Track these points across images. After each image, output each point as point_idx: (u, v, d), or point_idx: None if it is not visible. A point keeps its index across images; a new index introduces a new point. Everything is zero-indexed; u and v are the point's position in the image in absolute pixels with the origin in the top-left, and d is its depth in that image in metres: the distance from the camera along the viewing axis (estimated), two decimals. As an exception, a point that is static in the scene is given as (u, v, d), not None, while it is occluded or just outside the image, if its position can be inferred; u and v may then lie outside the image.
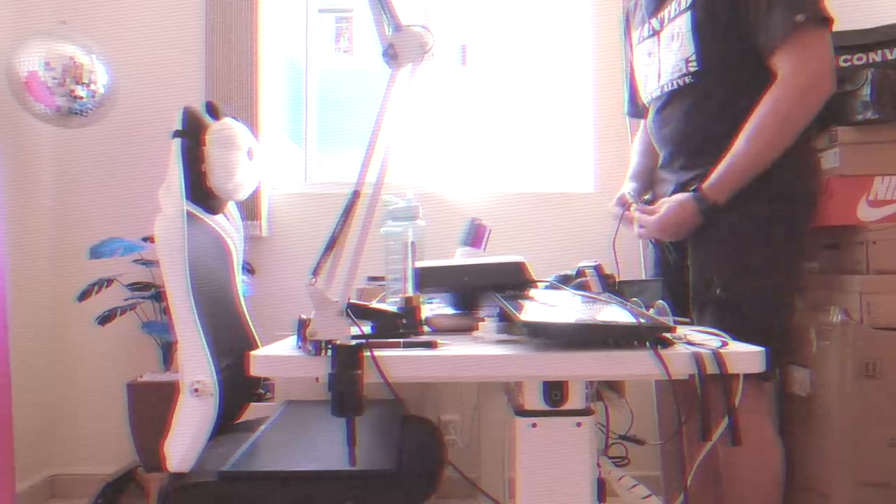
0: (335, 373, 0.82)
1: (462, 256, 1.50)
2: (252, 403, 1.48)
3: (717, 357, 0.83)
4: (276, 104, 2.46)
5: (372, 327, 0.96)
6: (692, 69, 1.42)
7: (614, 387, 1.26)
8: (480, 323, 1.04)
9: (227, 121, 1.32)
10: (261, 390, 1.49)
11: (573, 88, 2.53)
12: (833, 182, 1.71)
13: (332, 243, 0.90)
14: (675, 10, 1.45)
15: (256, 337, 1.50)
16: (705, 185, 1.36)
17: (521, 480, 0.90)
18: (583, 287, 1.24)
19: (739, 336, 0.94)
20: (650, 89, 1.56)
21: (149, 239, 2.07)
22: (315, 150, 2.53)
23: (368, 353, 0.83)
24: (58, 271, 2.33)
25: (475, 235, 1.52)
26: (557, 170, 2.58)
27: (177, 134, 1.20)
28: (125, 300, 2.15)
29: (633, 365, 0.84)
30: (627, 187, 1.64)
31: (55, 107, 2.02)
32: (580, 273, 1.27)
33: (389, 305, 1.20)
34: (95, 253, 2.05)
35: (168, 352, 2.13)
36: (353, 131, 2.38)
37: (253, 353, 0.90)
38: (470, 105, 2.60)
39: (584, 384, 0.92)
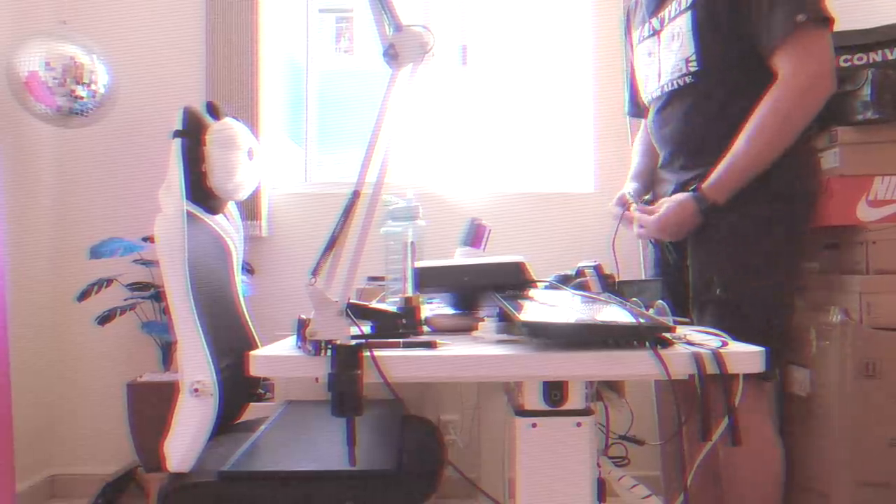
0: (335, 373, 0.82)
1: (462, 256, 1.50)
2: (252, 403, 1.48)
3: (717, 357, 0.83)
4: (276, 104, 2.46)
5: (372, 327, 0.96)
6: (692, 69, 1.42)
7: (614, 387, 1.26)
8: (480, 323, 1.04)
9: (227, 121, 1.32)
10: (261, 390, 1.49)
11: (573, 88, 2.53)
12: (833, 182, 1.71)
13: (332, 243, 0.90)
14: (676, 10, 1.45)
15: (256, 337, 1.50)
16: (705, 184, 1.36)
17: (521, 480, 0.90)
18: (583, 287, 1.24)
19: (739, 336, 0.94)
20: (650, 89, 1.56)
21: (149, 239, 2.07)
22: (315, 150, 2.53)
23: (368, 353, 0.83)
24: (58, 271, 2.33)
25: (475, 235, 1.52)
26: (557, 170, 2.58)
27: (177, 134, 1.20)
28: (125, 300, 2.15)
29: (633, 365, 0.84)
30: (628, 187, 1.64)
31: (55, 107, 2.02)
32: (580, 273, 1.27)
33: (389, 305, 1.20)
34: (95, 253, 2.05)
35: (168, 352, 2.13)
36: (353, 131, 2.39)
37: (253, 353, 0.90)
38: (470, 105, 2.60)
39: (584, 384, 0.92)
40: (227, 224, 1.46)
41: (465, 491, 1.79)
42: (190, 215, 1.18)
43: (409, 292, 1.19)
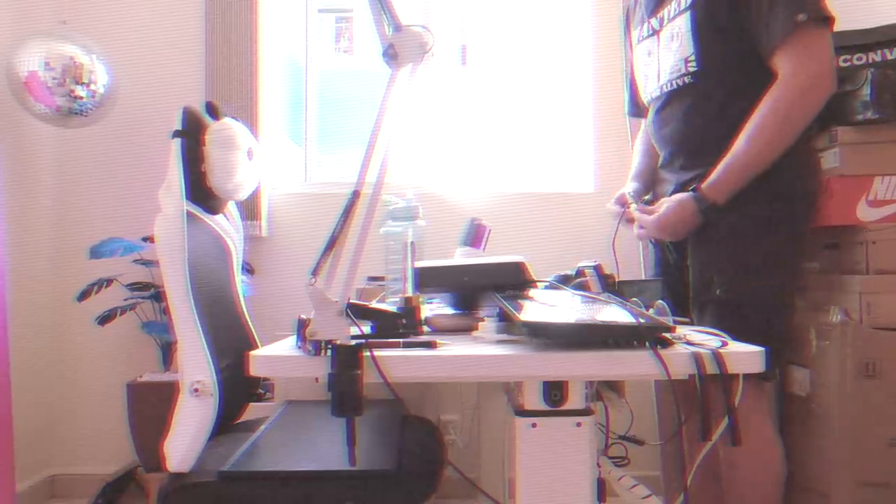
0: (335, 373, 0.82)
1: (462, 256, 1.50)
2: (252, 403, 1.48)
3: (717, 357, 0.83)
4: (276, 104, 2.46)
5: (372, 327, 0.96)
6: (691, 69, 1.42)
7: (614, 387, 1.26)
8: (480, 323, 1.04)
9: (226, 121, 1.32)
10: (260, 390, 1.49)
11: (573, 88, 2.53)
12: (833, 182, 1.71)
13: (332, 243, 0.90)
14: (675, 10, 1.45)
15: (256, 337, 1.50)
16: (705, 184, 1.36)
17: (521, 480, 0.90)
18: (583, 287, 1.24)
19: (739, 336, 0.94)
20: (650, 89, 1.56)
21: (149, 239, 2.07)
22: (315, 150, 2.53)
23: (368, 353, 0.83)
24: (58, 271, 2.33)
25: (475, 235, 1.52)
26: (557, 170, 2.58)
27: (177, 134, 1.20)
28: (125, 300, 2.15)
29: (633, 365, 0.84)
30: (628, 187, 1.64)
31: (55, 107, 2.02)
32: (580, 273, 1.27)
33: (389, 305, 1.20)
34: (95, 253, 2.05)
35: (168, 352, 2.13)
36: (353, 131, 2.38)
37: (253, 353, 0.90)
38: (470, 105, 2.60)
39: (584, 384, 0.92)
40: (227, 224, 1.46)
41: (465, 491, 1.79)
42: (190, 215, 1.18)
43: (409, 292, 1.19)
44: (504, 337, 0.98)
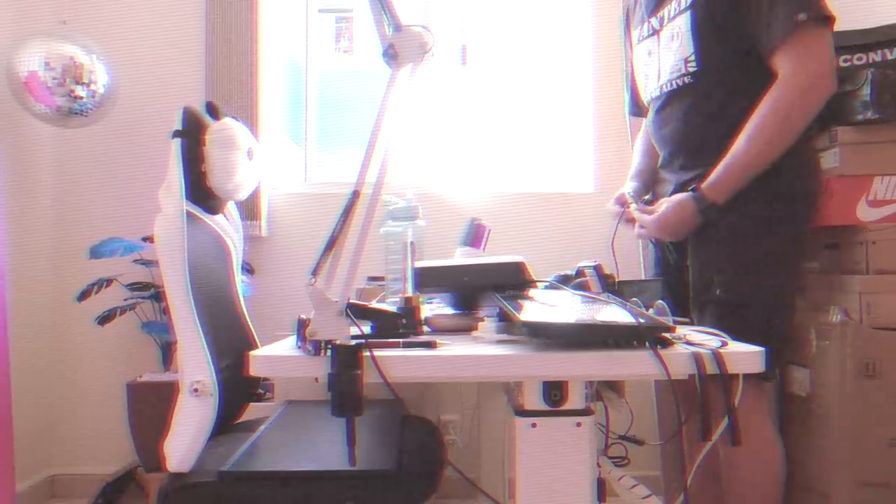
0: (335, 373, 0.82)
1: (462, 256, 1.50)
2: (252, 403, 1.47)
3: (717, 357, 0.83)
4: (276, 104, 2.46)
5: (372, 327, 0.96)
6: (691, 69, 1.42)
7: (614, 387, 1.26)
8: (480, 323, 1.04)
9: (226, 121, 1.32)
10: (260, 390, 1.49)
11: (573, 88, 2.52)
12: (833, 182, 1.71)
13: (332, 243, 0.90)
14: (675, 10, 1.45)
15: (256, 337, 1.50)
16: (704, 184, 1.36)
17: (521, 480, 0.90)
18: (582, 287, 1.24)
19: (739, 336, 0.94)
20: (650, 89, 1.56)
21: (149, 239, 2.07)
22: (315, 150, 2.53)
23: (368, 353, 0.83)
24: (58, 271, 2.33)
25: (475, 235, 1.52)
26: (557, 170, 2.58)
27: (177, 134, 1.20)
28: (125, 300, 2.15)
29: (633, 365, 0.84)
30: (628, 187, 1.64)
31: (55, 107, 2.02)
32: (580, 273, 1.27)
33: (389, 305, 1.20)
34: (95, 253, 2.05)
35: (168, 352, 2.13)
36: (353, 131, 2.38)
37: (252, 353, 0.90)
38: (470, 105, 2.60)
39: (584, 384, 0.92)
40: (227, 224, 1.46)
41: (465, 491, 1.79)
42: (190, 215, 1.18)
43: (409, 292, 1.19)
44: (504, 337, 0.98)
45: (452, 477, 1.11)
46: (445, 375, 0.87)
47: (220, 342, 1.23)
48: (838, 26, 1.33)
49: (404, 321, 1.02)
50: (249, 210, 2.22)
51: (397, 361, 0.85)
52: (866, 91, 1.69)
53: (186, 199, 1.16)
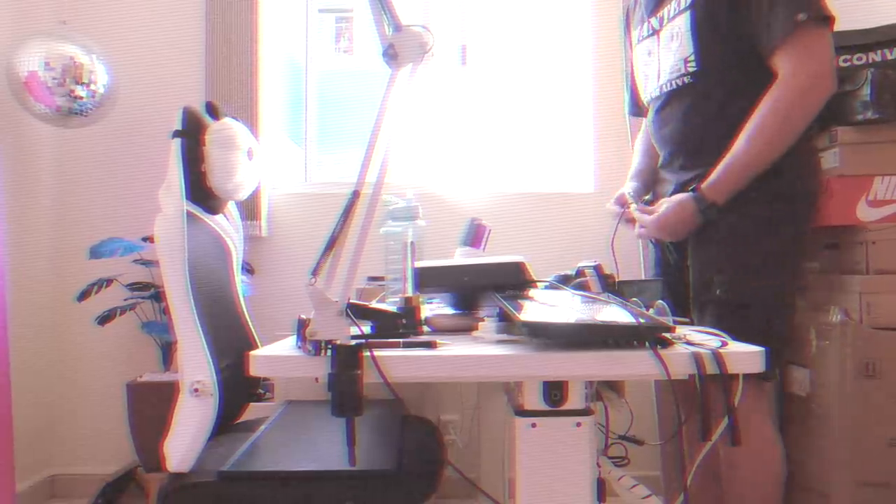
0: (335, 373, 0.82)
1: (462, 256, 1.50)
2: (252, 403, 1.47)
3: (717, 357, 0.83)
4: (276, 104, 2.46)
5: (372, 327, 0.96)
6: (691, 69, 1.42)
7: (614, 387, 1.26)
8: (480, 323, 1.04)
9: (226, 121, 1.32)
10: (260, 390, 1.49)
11: (573, 88, 2.52)
12: (833, 182, 1.71)
13: (332, 243, 0.90)
14: (675, 10, 1.45)
15: (256, 337, 1.50)
16: (704, 184, 1.36)
17: (520, 480, 0.90)
18: (583, 287, 1.24)
19: (739, 336, 0.94)
20: (650, 89, 1.56)
21: (149, 239, 2.07)
22: (315, 150, 2.53)
23: (368, 353, 0.83)
24: (58, 271, 2.33)
25: (475, 235, 1.52)
26: (557, 170, 2.58)
27: (177, 134, 1.20)
28: (125, 300, 2.15)
29: (633, 365, 0.84)
30: (628, 187, 1.64)
31: (55, 107, 2.02)
32: (580, 273, 1.27)
33: (389, 305, 1.20)
34: (95, 253, 2.05)
35: (168, 352, 2.13)
36: (353, 131, 2.38)
37: (253, 353, 0.89)
38: (470, 105, 2.60)
39: (584, 384, 0.92)
40: (227, 224, 1.46)
41: (465, 491, 1.79)
42: (190, 215, 1.18)
43: (409, 292, 1.19)
44: (504, 337, 0.98)
45: (452, 477, 1.11)
46: (445, 375, 0.87)
47: (220, 342, 1.23)
48: (838, 26, 1.33)
49: (404, 321, 1.01)
50: (249, 210, 2.22)
51: (397, 361, 0.85)
52: (866, 91, 1.69)
53: (186, 199, 1.16)
